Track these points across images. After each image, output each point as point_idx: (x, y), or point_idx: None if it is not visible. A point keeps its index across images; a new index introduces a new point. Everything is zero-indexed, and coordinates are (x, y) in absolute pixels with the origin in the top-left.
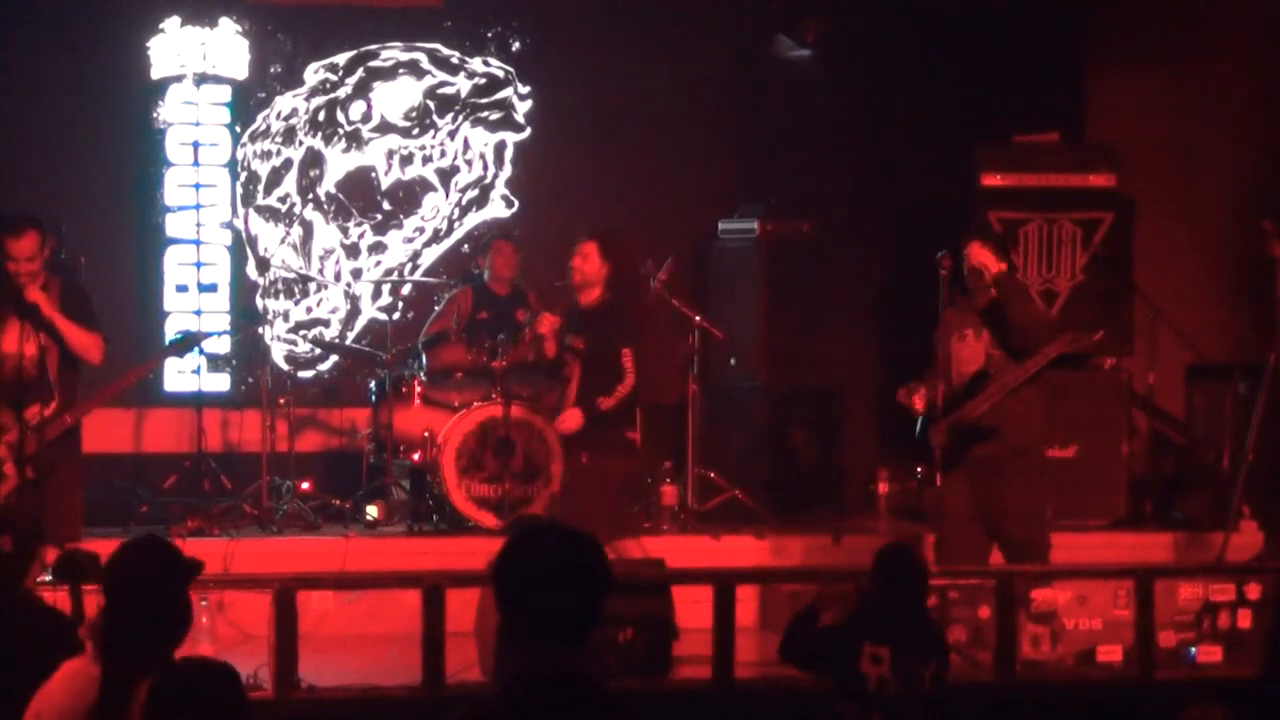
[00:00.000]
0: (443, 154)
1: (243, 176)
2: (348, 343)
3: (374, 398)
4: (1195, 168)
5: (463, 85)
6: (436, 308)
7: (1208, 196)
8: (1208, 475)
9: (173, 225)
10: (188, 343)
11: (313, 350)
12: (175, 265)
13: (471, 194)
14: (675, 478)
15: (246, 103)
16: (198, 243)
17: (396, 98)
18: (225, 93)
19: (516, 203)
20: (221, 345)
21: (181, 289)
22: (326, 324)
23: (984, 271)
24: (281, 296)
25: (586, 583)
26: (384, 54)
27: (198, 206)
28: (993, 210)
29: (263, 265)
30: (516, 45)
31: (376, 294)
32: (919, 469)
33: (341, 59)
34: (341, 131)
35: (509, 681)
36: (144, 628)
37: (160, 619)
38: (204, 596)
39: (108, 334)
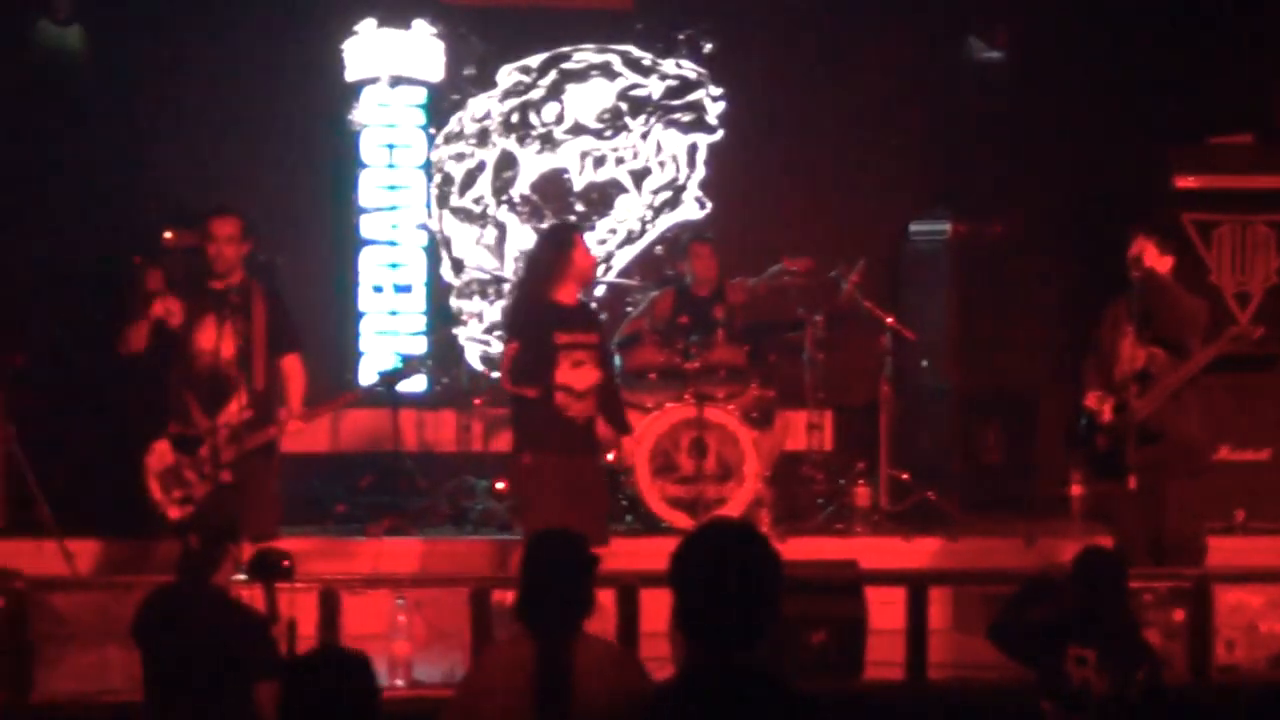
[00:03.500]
0: (635, 156)
1: (437, 178)
2: None
3: None
4: None
5: (655, 87)
6: (630, 309)
7: None
8: None
9: (368, 226)
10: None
11: None
12: (370, 266)
13: (664, 195)
14: (868, 479)
15: (440, 104)
16: (393, 244)
17: (589, 99)
18: (420, 94)
19: (709, 204)
20: (417, 345)
21: (377, 290)
22: None
23: (1136, 262)
24: (476, 297)
25: (758, 581)
26: (576, 56)
27: (393, 208)
28: (1186, 212)
29: (457, 266)
30: (708, 47)
31: None
32: (1073, 472)
33: (534, 61)
34: (535, 133)
35: (683, 676)
36: (554, 603)
37: (568, 596)
38: (400, 595)
39: (307, 353)
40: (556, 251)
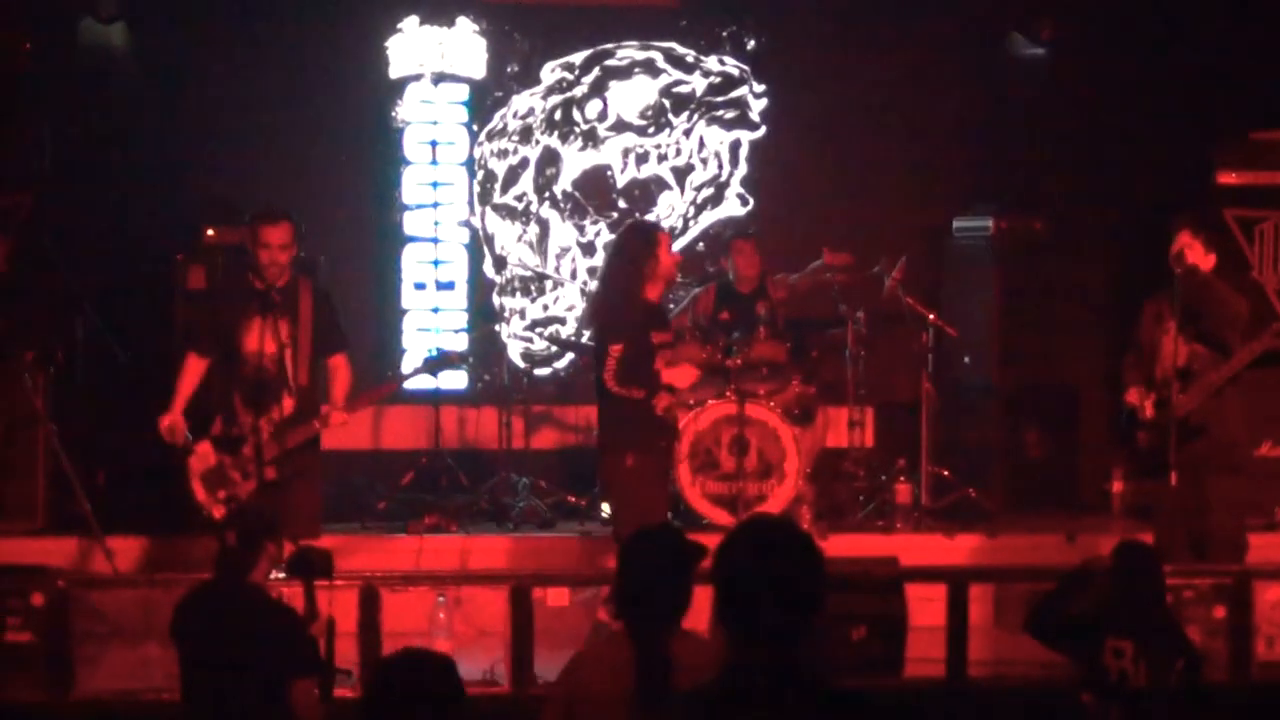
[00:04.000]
0: (678, 152)
1: (480, 175)
2: (583, 340)
3: None
4: None
5: (698, 84)
6: (672, 305)
7: None
8: None
9: (411, 223)
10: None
11: (549, 348)
12: (413, 263)
13: (707, 192)
14: (909, 476)
15: (483, 101)
16: (435, 241)
17: (632, 96)
18: (463, 91)
19: (752, 201)
20: (459, 342)
21: (419, 286)
22: (563, 321)
23: (1178, 258)
24: (518, 294)
25: (799, 578)
26: (620, 53)
27: (435, 205)
28: (1228, 208)
29: (500, 263)
30: (751, 44)
31: None
32: (1115, 469)
33: (578, 58)
34: (578, 130)
35: (725, 673)
36: (654, 601)
37: (667, 593)
38: (441, 593)
39: (351, 348)
40: (645, 251)
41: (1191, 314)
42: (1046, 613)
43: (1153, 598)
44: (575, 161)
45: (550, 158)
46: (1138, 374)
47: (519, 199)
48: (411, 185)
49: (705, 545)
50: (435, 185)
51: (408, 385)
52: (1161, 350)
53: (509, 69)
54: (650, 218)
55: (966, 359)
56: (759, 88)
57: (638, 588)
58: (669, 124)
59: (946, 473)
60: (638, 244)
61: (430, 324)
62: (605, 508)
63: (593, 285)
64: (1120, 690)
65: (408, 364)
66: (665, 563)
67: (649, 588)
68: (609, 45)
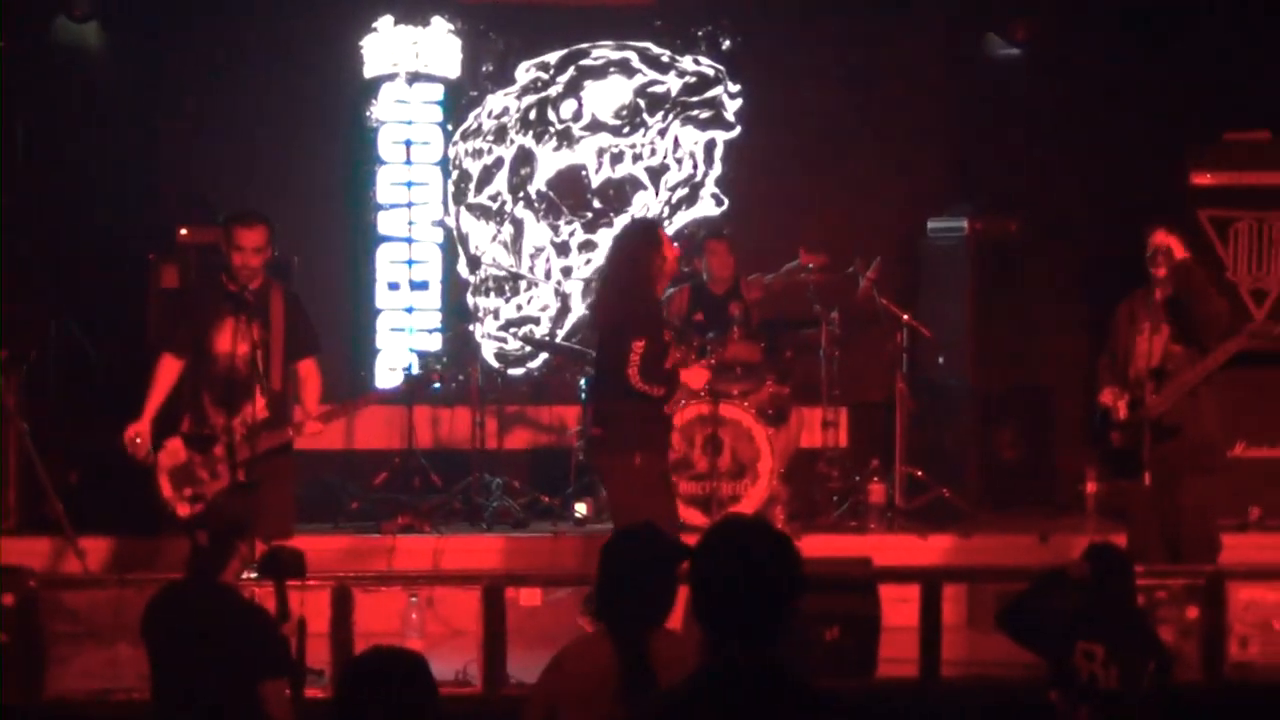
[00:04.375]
0: (653, 152)
1: (454, 175)
2: (558, 340)
3: (583, 395)
4: None
5: (673, 84)
6: None
7: None
8: None
9: (385, 223)
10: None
11: (523, 348)
12: (387, 263)
13: (681, 192)
14: (882, 476)
15: (458, 101)
16: (409, 240)
17: (607, 96)
18: (437, 91)
19: (726, 201)
20: (432, 343)
21: (393, 286)
22: (536, 322)
23: (1167, 254)
24: (492, 294)
25: (776, 578)
26: (595, 53)
27: (410, 205)
28: (1202, 209)
29: (474, 263)
30: (727, 44)
31: (586, 292)
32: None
33: (552, 58)
34: (552, 130)
35: (701, 672)
36: (636, 600)
37: (650, 592)
38: (413, 593)
39: (323, 352)
40: (652, 248)
41: (1176, 307)
42: (1019, 610)
43: (1124, 600)
44: (550, 161)
45: (525, 157)
46: (1111, 374)
47: (493, 199)
48: (386, 185)
49: (688, 545)
50: (409, 185)
51: (380, 385)
52: (1135, 351)
53: (484, 68)
54: (623, 217)
55: (941, 359)
56: (734, 88)
57: (619, 587)
58: (644, 124)
59: (920, 473)
60: (643, 241)
61: (404, 324)
62: (580, 507)
63: (566, 285)
64: (1090, 692)
65: (382, 366)
66: (647, 562)
67: (630, 587)
68: (584, 45)
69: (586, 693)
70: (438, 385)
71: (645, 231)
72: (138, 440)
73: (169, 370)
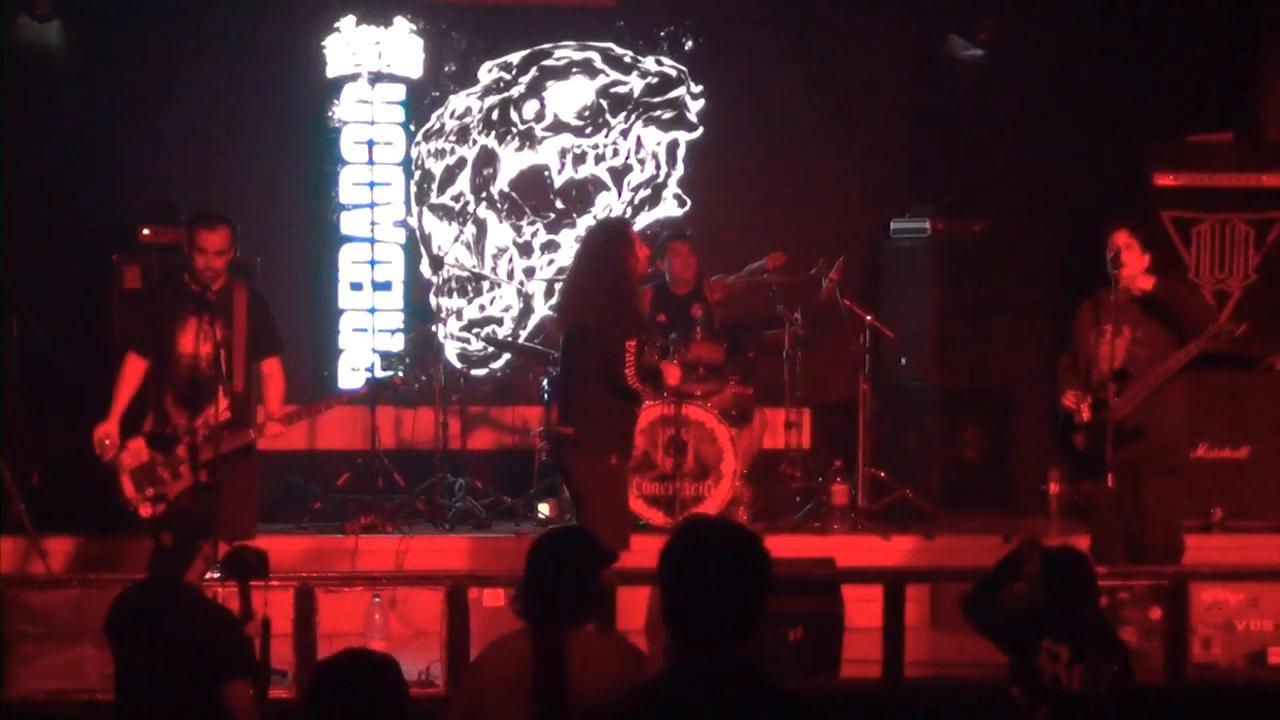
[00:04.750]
0: (615, 153)
1: (417, 175)
2: (520, 341)
3: (546, 396)
4: None
5: (636, 84)
6: None
7: None
8: None
9: (347, 223)
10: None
11: (485, 348)
12: (350, 263)
13: (644, 193)
14: (846, 477)
15: (421, 101)
16: (372, 241)
17: (570, 97)
18: (400, 91)
19: (689, 201)
20: (395, 343)
21: (356, 287)
22: (499, 322)
23: (1126, 254)
24: (455, 295)
25: (746, 578)
26: (557, 53)
27: (372, 205)
28: (1165, 209)
29: (436, 263)
30: (689, 44)
31: (549, 292)
32: (1051, 470)
33: (515, 58)
34: (515, 130)
35: (667, 672)
36: (561, 600)
37: (574, 592)
38: (377, 593)
39: (286, 351)
40: (627, 248)
41: (1151, 308)
42: (983, 600)
43: (1086, 603)
44: (512, 162)
45: (487, 158)
46: (1073, 376)
47: (456, 199)
48: (348, 185)
49: (614, 551)
50: (372, 185)
51: (344, 386)
52: (1098, 354)
53: (446, 69)
54: (585, 218)
55: (904, 360)
56: (696, 88)
57: (542, 586)
58: (606, 124)
59: (883, 474)
60: (620, 242)
61: (367, 324)
62: (543, 508)
63: (529, 286)
64: (1051, 692)
65: (345, 366)
66: (574, 563)
67: (554, 587)
68: (546, 45)
69: (504, 694)
70: (399, 382)
71: (620, 231)
72: (106, 442)
73: (134, 370)
